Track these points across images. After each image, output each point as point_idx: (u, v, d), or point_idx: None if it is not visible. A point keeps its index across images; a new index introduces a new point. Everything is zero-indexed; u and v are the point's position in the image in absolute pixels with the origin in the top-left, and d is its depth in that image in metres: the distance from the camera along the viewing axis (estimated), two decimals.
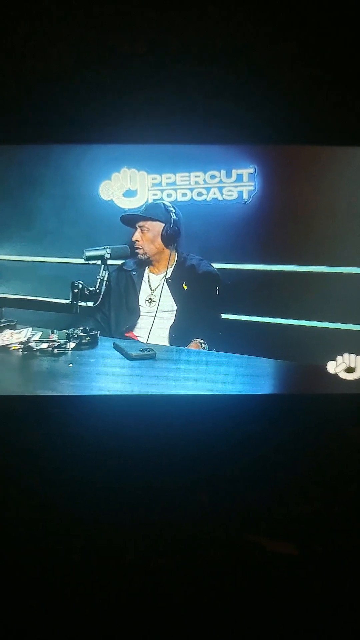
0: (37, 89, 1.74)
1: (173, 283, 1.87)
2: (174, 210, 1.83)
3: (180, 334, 1.86)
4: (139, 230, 1.85)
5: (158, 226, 1.84)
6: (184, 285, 1.86)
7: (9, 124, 1.74)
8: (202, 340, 1.85)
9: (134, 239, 1.85)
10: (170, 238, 1.84)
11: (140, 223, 1.84)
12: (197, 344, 1.84)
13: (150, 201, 1.84)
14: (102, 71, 1.76)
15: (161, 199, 1.83)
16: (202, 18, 1.71)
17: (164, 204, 1.83)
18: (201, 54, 1.74)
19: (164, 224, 1.83)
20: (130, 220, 1.84)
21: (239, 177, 1.80)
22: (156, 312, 1.85)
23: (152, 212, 1.83)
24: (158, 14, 1.71)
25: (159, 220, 1.83)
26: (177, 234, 1.84)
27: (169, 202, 1.83)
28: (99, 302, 1.84)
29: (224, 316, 1.86)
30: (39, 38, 1.71)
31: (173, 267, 1.88)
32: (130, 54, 1.73)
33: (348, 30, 1.73)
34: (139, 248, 1.86)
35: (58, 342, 1.78)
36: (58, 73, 1.73)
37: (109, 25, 1.70)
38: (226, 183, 1.81)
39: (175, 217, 1.82)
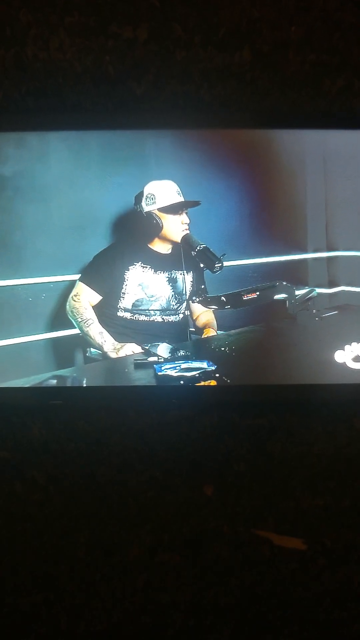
0: (38, 77, 1.72)
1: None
2: None
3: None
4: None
5: None
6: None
7: (10, 111, 1.72)
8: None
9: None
10: None
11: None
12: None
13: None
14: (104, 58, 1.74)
15: None
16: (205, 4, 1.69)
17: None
18: (205, 39, 1.71)
19: None
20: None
21: None
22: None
23: None
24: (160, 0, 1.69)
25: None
26: None
27: None
28: None
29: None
30: (40, 25, 1.69)
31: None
32: (133, 40, 1.72)
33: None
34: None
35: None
36: (59, 61, 1.72)
37: (111, 12, 1.69)
38: None
39: None
